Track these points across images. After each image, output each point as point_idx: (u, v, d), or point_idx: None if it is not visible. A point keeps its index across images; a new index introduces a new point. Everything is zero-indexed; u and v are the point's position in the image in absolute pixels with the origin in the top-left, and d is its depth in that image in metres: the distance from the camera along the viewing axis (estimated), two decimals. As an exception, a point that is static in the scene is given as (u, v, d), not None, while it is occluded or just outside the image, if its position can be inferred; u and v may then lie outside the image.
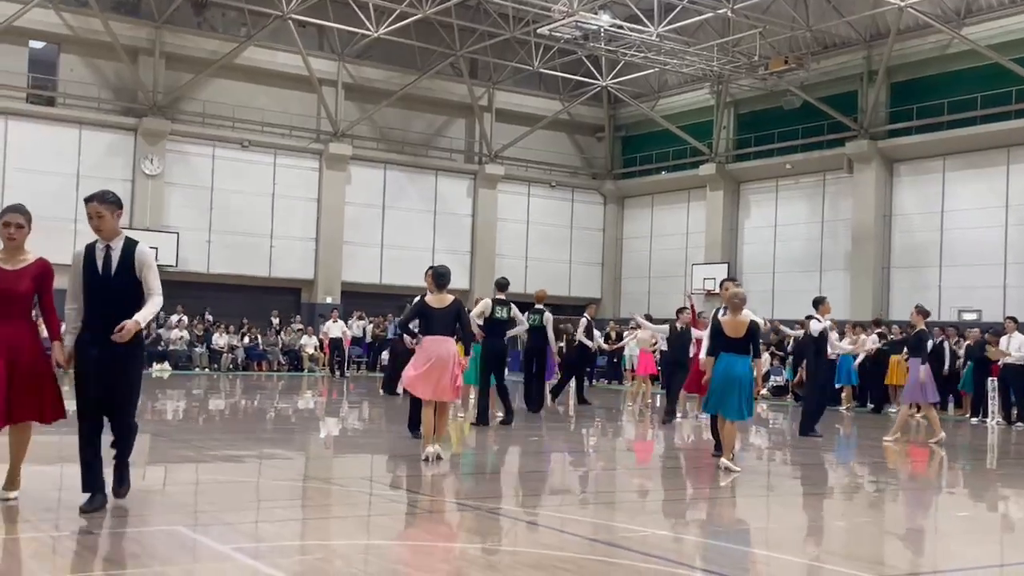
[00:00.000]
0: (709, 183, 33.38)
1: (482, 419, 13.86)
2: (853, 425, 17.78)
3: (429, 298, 10.17)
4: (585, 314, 20.37)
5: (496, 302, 14.07)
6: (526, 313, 16.69)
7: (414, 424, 11.74)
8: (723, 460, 10.17)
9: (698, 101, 34.55)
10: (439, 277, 10.18)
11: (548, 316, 16.48)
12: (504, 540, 6.76)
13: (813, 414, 14.55)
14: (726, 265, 31.59)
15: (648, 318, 20.93)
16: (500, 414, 14.49)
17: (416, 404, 11.30)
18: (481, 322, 13.77)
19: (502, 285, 14.73)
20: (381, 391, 20.52)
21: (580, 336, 19.86)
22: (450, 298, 10.13)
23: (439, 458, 9.87)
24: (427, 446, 9.84)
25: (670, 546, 6.65)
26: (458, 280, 11.29)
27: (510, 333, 15.04)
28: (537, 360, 16.98)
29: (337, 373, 27.05)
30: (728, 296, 10.51)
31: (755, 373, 10.26)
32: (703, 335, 13.30)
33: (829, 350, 15.10)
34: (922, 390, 13.94)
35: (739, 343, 10.12)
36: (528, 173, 36.09)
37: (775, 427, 17.00)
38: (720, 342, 10.21)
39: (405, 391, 11.32)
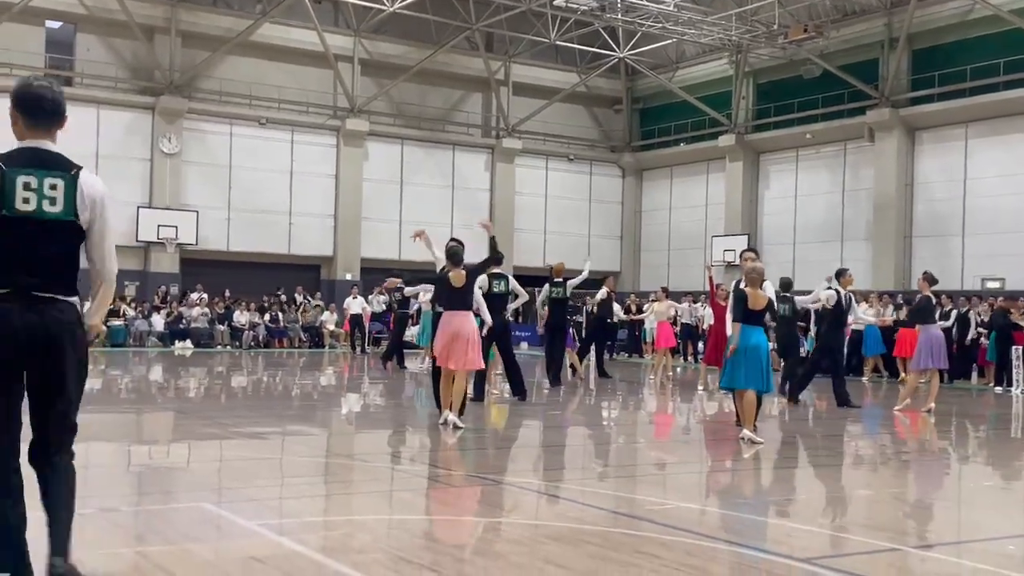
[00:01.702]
0: (728, 154, 33.14)
1: (478, 395, 13.26)
2: (872, 395, 17.70)
3: (450, 274, 10.67)
4: (604, 287, 20.33)
5: (492, 276, 13.53)
6: (546, 286, 16.69)
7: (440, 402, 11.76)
8: (745, 431, 10.16)
9: (717, 71, 34.23)
10: (452, 256, 10.72)
11: (570, 287, 16.57)
12: (527, 513, 6.78)
13: (803, 380, 14.60)
14: (746, 236, 31.40)
15: (664, 291, 20.88)
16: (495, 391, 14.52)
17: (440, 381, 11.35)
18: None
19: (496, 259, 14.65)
20: (399, 364, 20.46)
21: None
22: (464, 273, 10.65)
23: (456, 426, 10.28)
24: (445, 412, 10.45)
25: (694, 518, 6.64)
26: (476, 255, 11.26)
27: (512, 306, 14.97)
28: (558, 335, 16.89)
29: (358, 349, 27.12)
30: (746, 271, 10.64)
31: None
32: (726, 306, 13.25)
33: (850, 319, 15.08)
34: (930, 356, 13.80)
35: (757, 315, 10.30)
36: (546, 146, 35.94)
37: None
38: (742, 311, 10.22)
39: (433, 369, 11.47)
